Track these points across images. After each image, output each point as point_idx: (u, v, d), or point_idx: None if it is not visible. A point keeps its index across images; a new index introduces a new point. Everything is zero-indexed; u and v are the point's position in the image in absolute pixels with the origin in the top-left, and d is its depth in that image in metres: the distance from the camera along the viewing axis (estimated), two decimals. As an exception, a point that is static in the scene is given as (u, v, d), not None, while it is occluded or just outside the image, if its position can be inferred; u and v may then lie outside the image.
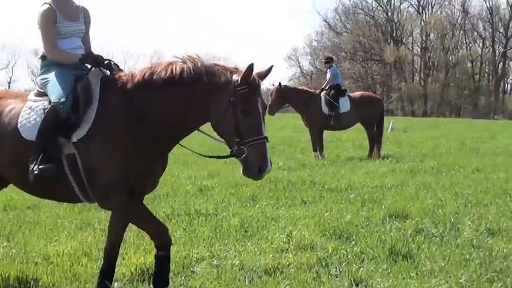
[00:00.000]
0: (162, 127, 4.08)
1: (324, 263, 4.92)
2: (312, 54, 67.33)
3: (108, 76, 4.29)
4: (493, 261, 4.94)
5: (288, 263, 4.90)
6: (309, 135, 14.16)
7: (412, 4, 63.24)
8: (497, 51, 60.61)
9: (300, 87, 16.53)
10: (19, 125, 4.24)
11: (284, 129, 24.68)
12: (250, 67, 3.91)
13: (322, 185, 9.07)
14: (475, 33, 61.81)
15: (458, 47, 62.55)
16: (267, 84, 14.27)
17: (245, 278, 4.61)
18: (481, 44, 62.04)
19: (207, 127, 4.14)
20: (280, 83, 13.85)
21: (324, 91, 13.84)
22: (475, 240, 5.61)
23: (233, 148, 3.95)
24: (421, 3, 62.85)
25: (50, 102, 4.17)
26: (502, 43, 60.28)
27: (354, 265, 4.84)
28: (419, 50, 64.57)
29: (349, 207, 7.31)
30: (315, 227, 6.13)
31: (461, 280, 4.47)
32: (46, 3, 4.39)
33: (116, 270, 4.44)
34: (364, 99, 14.19)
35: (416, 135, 22.11)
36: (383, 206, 7.23)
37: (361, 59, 63.97)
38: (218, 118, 3.98)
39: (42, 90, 4.36)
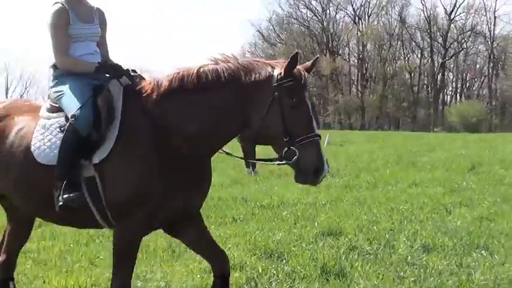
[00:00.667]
0: (195, 140, 3.84)
1: (253, 283, 5.01)
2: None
3: (130, 86, 4.02)
4: (427, 278, 5.15)
5: (216, 284, 4.94)
6: (241, 151, 14.26)
7: (348, 14, 65.24)
8: (435, 62, 63.13)
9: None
10: (32, 147, 3.97)
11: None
12: (295, 58, 3.73)
13: (254, 202, 9.20)
14: (413, 44, 64.16)
15: (396, 58, 64.77)
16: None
17: (171, 300, 4.59)
18: (419, 55, 64.50)
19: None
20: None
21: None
22: (409, 257, 5.82)
23: (283, 151, 3.71)
24: (357, 12, 64.97)
25: (66, 118, 3.92)
26: (441, 53, 62.79)
27: (285, 284, 4.96)
28: (356, 61, 66.45)
29: (281, 225, 7.44)
30: (245, 245, 6.23)
31: (396, 298, 4.61)
32: (58, 2, 4.13)
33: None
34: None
35: (353, 149, 22.74)
36: (316, 223, 7.39)
37: (296, 71, 64.68)
38: (261, 118, 3.75)
39: (56, 105, 4.10)
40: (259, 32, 67.31)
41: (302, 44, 63.49)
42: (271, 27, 67.44)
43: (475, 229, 7.12)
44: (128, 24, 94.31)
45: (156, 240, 6.51)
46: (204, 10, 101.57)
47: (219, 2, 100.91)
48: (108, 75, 4.06)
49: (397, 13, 63.89)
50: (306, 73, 3.83)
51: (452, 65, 62.97)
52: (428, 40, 63.02)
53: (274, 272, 5.28)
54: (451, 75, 65.83)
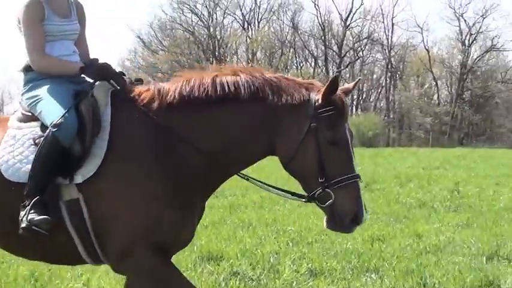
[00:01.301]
0: (204, 161, 3.59)
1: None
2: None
3: (121, 92, 3.74)
4: (313, 303, 5.27)
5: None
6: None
7: (236, 19, 65.69)
8: (330, 70, 64.51)
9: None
10: None
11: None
12: (335, 81, 3.53)
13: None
14: (307, 52, 65.83)
15: (289, 66, 66.07)
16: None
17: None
18: (313, 63, 66.22)
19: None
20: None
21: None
22: (295, 282, 6.01)
23: (315, 191, 3.53)
24: (247, 17, 65.48)
25: (43, 128, 3.62)
26: (336, 62, 64.41)
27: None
28: (245, 69, 66.71)
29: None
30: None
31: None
32: None
33: None
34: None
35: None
36: (195, 248, 7.43)
37: (180, 80, 64.45)
38: (293, 151, 3.54)
39: (30, 113, 3.78)
40: (139, 38, 66.68)
41: (186, 51, 63.45)
42: (153, 33, 66.99)
43: (365, 251, 7.44)
44: None
45: (17, 268, 6.33)
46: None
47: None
48: (92, 78, 3.74)
49: (289, 19, 64.98)
50: (347, 100, 3.70)
51: (348, 75, 65.04)
52: (323, 48, 64.64)
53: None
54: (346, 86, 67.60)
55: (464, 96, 62.01)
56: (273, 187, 3.93)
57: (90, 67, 3.75)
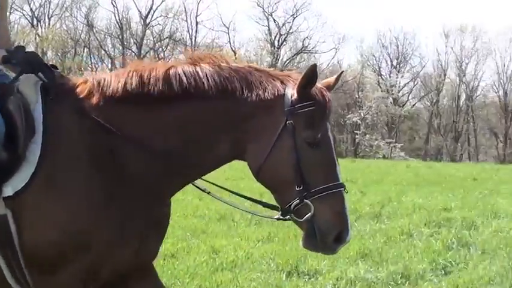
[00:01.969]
0: (156, 165, 3.14)
1: None
2: None
3: (52, 86, 3.19)
4: None
5: None
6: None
7: (24, 15, 62.34)
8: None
9: None
10: None
11: None
12: (313, 71, 3.09)
13: None
14: (103, 52, 64.21)
15: (83, 68, 63.78)
16: None
17: None
18: (109, 65, 64.72)
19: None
20: None
21: None
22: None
23: (291, 202, 3.07)
24: (36, 13, 62.50)
25: None
26: (134, 63, 63.90)
27: None
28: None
29: None
30: None
31: None
32: None
33: None
34: None
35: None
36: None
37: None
38: (265, 154, 3.10)
39: None
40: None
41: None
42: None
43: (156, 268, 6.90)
44: None
45: None
46: None
47: None
48: (16, 70, 3.18)
49: (83, 16, 63.08)
50: (329, 94, 3.23)
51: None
52: (121, 48, 63.43)
53: None
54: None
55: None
56: (239, 195, 3.62)
57: (15, 56, 3.21)
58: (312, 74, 3.11)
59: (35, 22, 62.59)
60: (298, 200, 3.07)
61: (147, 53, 62.92)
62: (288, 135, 3.08)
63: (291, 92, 3.14)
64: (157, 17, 63.31)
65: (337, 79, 3.39)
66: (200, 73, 3.17)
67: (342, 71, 3.77)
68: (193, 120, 3.16)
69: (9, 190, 2.97)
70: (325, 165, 3.11)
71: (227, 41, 63.94)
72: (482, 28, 69.31)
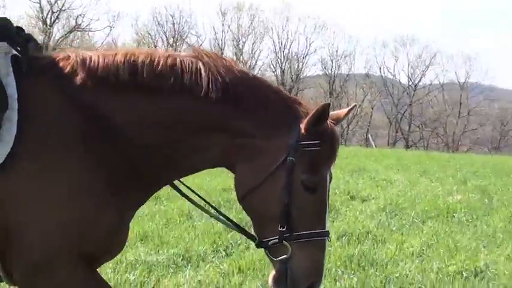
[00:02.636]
0: (138, 157, 2.95)
1: None
2: None
3: (27, 59, 2.93)
4: None
5: None
6: None
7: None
8: None
9: None
10: None
11: None
12: (325, 109, 2.87)
13: None
14: None
15: None
16: None
17: None
18: None
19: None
20: None
21: None
22: None
23: (270, 239, 2.94)
24: None
25: None
26: None
27: None
28: None
29: None
30: None
31: None
32: None
33: None
34: None
35: None
36: None
37: None
38: (256, 183, 2.93)
39: None
40: None
41: None
42: None
43: None
44: None
45: None
46: None
47: None
48: None
49: None
50: (338, 135, 3.04)
51: None
52: None
53: None
54: None
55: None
56: (222, 215, 3.37)
57: None
58: (322, 113, 2.90)
59: None
60: (277, 240, 2.93)
61: None
62: (286, 172, 2.90)
63: (299, 125, 2.94)
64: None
65: (347, 113, 3.19)
66: (201, 70, 2.94)
67: (355, 105, 3.46)
68: (184, 119, 2.96)
69: None
70: (316, 211, 2.97)
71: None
72: (259, 6, 70.87)
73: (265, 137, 2.96)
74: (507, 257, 7.47)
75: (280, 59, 64.69)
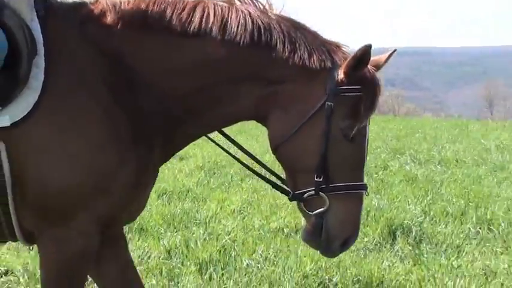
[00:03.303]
0: (170, 109, 2.85)
1: None
2: None
3: (49, 2, 2.83)
4: None
5: None
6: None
7: None
8: None
9: None
10: None
11: None
12: (367, 51, 2.70)
13: None
14: None
15: None
16: None
17: None
18: None
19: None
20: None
21: None
22: None
23: (306, 190, 2.82)
24: None
25: None
26: None
27: None
28: None
29: None
30: None
31: None
32: None
33: None
34: None
35: None
36: None
37: None
38: (290, 130, 2.81)
39: None
40: None
41: None
42: None
43: None
44: None
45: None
46: None
47: None
48: None
49: None
50: (380, 81, 2.88)
51: None
52: None
53: None
54: None
55: None
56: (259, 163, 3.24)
57: None
58: (364, 56, 2.75)
59: None
60: (313, 191, 2.83)
61: None
62: (324, 118, 2.78)
63: (339, 69, 2.81)
64: None
65: (387, 58, 3.00)
66: (233, 15, 2.82)
67: (395, 50, 3.10)
68: (215, 67, 2.84)
69: (6, 120, 2.63)
70: (355, 162, 2.86)
71: None
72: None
73: (302, 82, 2.84)
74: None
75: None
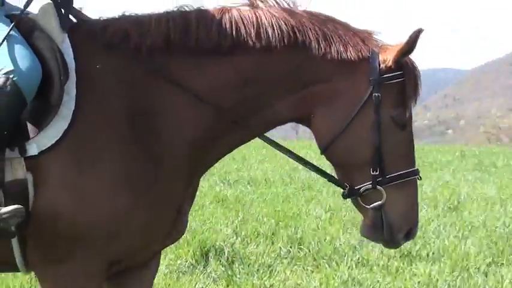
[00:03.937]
0: (208, 126, 2.80)
1: None
2: None
3: (75, 21, 2.81)
4: None
5: None
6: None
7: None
8: None
9: None
10: None
11: None
12: (418, 35, 2.72)
13: None
14: None
15: None
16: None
17: None
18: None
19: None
20: None
21: None
22: None
23: (362, 185, 2.83)
24: None
25: None
26: None
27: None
28: None
29: None
30: None
31: None
32: None
33: None
34: None
35: None
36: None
37: None
38: (340, 127, 2.78)
39: None
40: None
41: None
42: None
43: None
44: None
45: None
46: None
47: None
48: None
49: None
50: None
51: None
52: None
53: None
54: None
55: None
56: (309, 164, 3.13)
57: None
58: (416, 41, 2.74)
59: None
60: (370, 185, 2.82)
61: None
62: (373, 110, 2.76)
63: (381, 57, 2.79)
64: None
65: (414, 41, 2.80)
66: (263, 19, 2.76)
67: (421, 28, 2.81)
68: (252, 77, 2.79)
69: (33, 149, 2.56)
70: (407, 149, 2.87)
71: None
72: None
73: (343, 77, 2.80)
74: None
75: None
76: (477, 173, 14.03)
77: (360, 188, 2.90)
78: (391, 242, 2.96)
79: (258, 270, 6.25)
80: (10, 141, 2.58)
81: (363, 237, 3.16)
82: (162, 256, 3.49)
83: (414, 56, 2.90)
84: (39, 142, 2.60)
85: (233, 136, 2.97)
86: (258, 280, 5.90)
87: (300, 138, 31.95)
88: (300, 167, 13.72)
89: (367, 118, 2.81)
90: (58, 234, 2.63)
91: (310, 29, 2.82)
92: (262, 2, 2.90)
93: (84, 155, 2.64)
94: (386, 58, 2.82)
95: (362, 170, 2.86)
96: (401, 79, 2.85)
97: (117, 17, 2.90)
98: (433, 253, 6.98)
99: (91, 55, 2.77)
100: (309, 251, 6.93)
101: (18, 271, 2.87)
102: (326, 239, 7.37)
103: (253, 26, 2.79)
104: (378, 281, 6.02)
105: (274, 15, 2.82)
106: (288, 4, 2.92)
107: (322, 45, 2.80)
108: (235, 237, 7.34)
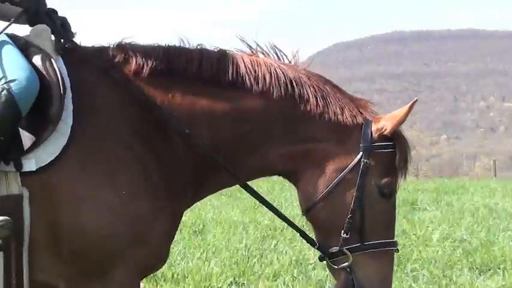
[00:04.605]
0: (197, 158, 2.86)
1: None
2: None
3: (69, 44, 2.85)
4: None
5: None
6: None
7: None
8: None
9: None
10: None
11: None
12: (412, 106, 2.82)
13: None
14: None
15: None
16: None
17: None
18: None
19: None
20: None
21: None
22: None
23: (329, 248, 2.90)
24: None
25: None
26: None
27: None
28: None
29: None
30: None
31: None
32: None
33: None
34: None
35: None
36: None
37: None
38: (324, 189, 2.86)
39: None
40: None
41: None
42: None
43: None
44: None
45: None
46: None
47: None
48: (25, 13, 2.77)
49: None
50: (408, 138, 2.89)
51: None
52: None
53: None
54: None
55: None
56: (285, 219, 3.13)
57: (37, 11, 2.76)
58: (409, 112, 2.80)
59: None
60: (343, 248, 2.85)
61: None
62: (360, 176, 2.80)
63: (373, 126, 2.84)
64: None
65: (407, 112, 2.86)
66: (263, 67, 2.84)
67: (416, 99, 2.95)
68: (248, 116, 2.84)
69: (31, 164, 2.53)
70: (389, 219, 2.90)
71: None
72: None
73: (335, 140, 2.88)
74: None
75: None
76: (224, 198, 14.67)
77: (334, 250, 2.96)
78: None
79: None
80: (5, 155, 2.57)
81: None
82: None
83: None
84: (38, 158, 2.60)
85: (217, 176, 2.99)
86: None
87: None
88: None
89: (352, 183, 2.88)
90: (85, 249, 2.63)
91: (308, 85, 2.94)
92: (263, 54, 3.03)
93: (90, 168, 2.66)
94: (383, 126, 2.91)
95: (336, 232, 2.92)
96: (392, 150, 2.94)
97: (111, 45, 2.98)
98: (177, 274, 7.23)
99: (85, 74, 2.83)
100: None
101: None
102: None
103: (253, 69, 2.91)
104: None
105: (273, 65, 2.95)
106: (289, 61, 3.06)
107: (320, 104, 2.92)
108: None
